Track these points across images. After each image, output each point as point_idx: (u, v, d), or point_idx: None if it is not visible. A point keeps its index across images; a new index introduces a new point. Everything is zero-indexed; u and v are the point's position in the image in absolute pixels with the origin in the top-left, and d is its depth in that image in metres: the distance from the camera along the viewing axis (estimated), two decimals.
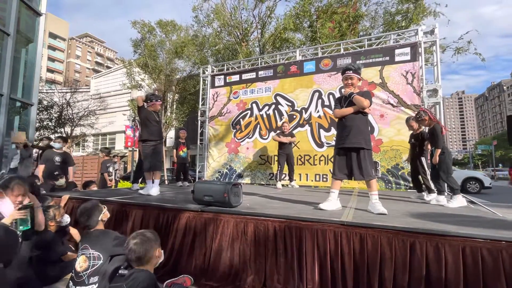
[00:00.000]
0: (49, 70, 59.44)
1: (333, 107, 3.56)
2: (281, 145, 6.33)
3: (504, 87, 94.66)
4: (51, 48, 61.79)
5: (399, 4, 11.42)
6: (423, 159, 4.34)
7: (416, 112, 4.30)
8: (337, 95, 6.64)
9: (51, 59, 61.56)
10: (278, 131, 6.78)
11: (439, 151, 3.64)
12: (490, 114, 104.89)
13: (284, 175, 6.69)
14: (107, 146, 27.70)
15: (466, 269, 1.84)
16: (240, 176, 7.72)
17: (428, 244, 1.95)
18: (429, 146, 4.29)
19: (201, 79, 9.01)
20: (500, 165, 47.35)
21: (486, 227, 2.17)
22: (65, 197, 3.65)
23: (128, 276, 1.64)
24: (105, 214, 2.34)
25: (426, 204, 3.73)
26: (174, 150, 6.77)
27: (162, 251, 1.86)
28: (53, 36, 61.88)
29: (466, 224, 2.26)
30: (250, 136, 7.73)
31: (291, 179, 6.47)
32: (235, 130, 7.99)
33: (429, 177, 4.22)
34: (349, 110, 2.94)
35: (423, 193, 4.36)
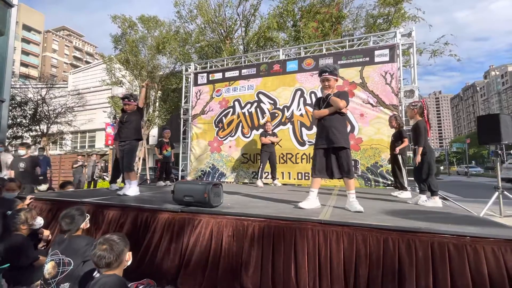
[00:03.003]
0: (23, 64, 56.44)
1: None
2: (266, 143, 6.36)
3: (477, 88, 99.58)
4: (25, 41, 58.62)
5: (381, 7, 11.70)
6: (399, 156, 4.49)
7: (417, 101, 3.99)
8: (319, 93, 6.74)
9: (25, 52, 58.43)
10: (261, 130, 6.81)
11: (420, 149, 3.50)
12: (464, 113, 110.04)
13: (266, 174, 6.74)
14: (86, 144, 26.82)
15: (435, 263, 1.93)
16: (223, 175, 7.69)
17: (400, 241, 2.03)
18: (404, 144, 4.43)
19: (184, 76, 8.88)
20: (473, 162, 49.75)
21: (454, 223, 2.28)
22: (28, 197, 3.53)
23: (96, 282, 1.58)
24: (86, 223, 2.30)
25: (401, 202, 3.85)
26: (158, 149, 6.69)
27: (130, 253, 1.80)
28: (27, 28, 58.72)
29: (436, 221, 2.37)
30: (233, 134, 7.71)
31: (273, 178, 6.52)
32: (217, 129, 7.94)
33: (404, 175, 4.37)
34: (326, 111, 3.02)
35: (399, 191, 4.49)
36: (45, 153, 7.81)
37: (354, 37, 8.63)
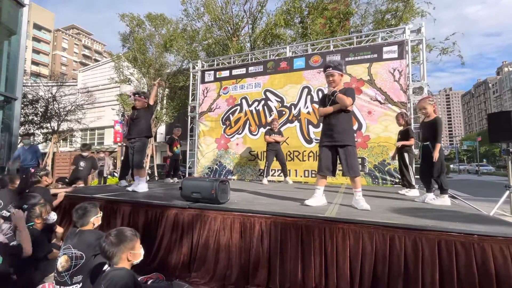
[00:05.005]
0: (34, 62, 57.53)
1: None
2: (270, 142, 6.36)
3: (490, 85, 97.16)
4: (36, 39, 59.70)
5: (389, 3, 11.52)
6: (405, 154, 4.45)
7: (427, 96, 3.92)
8: (326, 91, 6.71)
9: (36, 51, 59.53)
10: (267, 128, 6.81)
11: (439, 145, 3.35)
12: (475, 110, 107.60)
13: (273, 171, 6.76)
14: (95, 141, 27.28)
15: (442, 261, 1.93)
16: (230, 172, 7.74)
17: (406, 238, 2.03)
18: (409, 142, 4.38)
19: (191, 74, 8.93)
20: (484, 160, 48.71)
21: (461, 222, 2.26)
22: (61, 194, 3.62)
23: (105, 276, 1.63)
24: (97, 218, 2.33)
25: (408, 200, 3.81)
26: (168, 146, 6.81)
27: (141, 249, 1.81)
28: (38, 27, 59.75)
29: (443, 219, 2.36)
30: (240, 132, 7.74)
31: (285, 175, 6.49)
32: (224, 126, 7.98)
33: (411, 173, 4.33)
34: (330, 109, 3.01)
35: (405, 188, 4.45)
36: (31, 141, 6.57)
37: (362, 34, 8.55)
